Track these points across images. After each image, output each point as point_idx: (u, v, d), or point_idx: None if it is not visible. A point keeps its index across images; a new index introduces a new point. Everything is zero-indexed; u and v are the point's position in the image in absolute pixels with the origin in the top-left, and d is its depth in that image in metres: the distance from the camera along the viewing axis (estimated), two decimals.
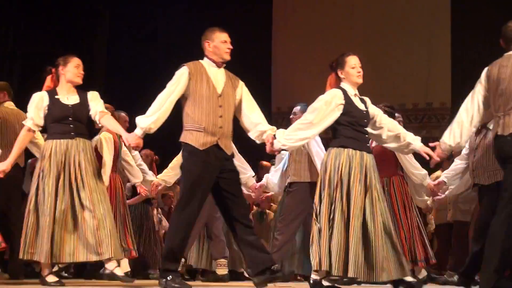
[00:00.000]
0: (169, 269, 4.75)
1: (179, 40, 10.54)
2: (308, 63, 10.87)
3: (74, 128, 5.25)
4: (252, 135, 5.12)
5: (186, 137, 4.90)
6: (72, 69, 5.35)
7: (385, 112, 6.45)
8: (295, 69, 11.18)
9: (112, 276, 5.19)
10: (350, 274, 4.58)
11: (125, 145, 6.42)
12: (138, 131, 4.95)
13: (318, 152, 6.36)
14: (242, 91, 5.13)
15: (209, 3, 11.33)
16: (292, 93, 10.67)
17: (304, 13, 11.41)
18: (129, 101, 9.38)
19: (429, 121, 10.72)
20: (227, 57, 5.03)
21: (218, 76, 5.02)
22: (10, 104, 6.59)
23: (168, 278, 4.69)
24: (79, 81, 5.38)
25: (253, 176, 7.03)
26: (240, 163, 6.60)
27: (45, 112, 5.29)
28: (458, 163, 6.37)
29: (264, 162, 8.80)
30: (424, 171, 6.61)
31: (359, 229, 4.65)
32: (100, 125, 5.67)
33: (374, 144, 6.31)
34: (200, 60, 5.06)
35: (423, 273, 6.55)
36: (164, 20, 11.39)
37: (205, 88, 4.92)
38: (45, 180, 5.13)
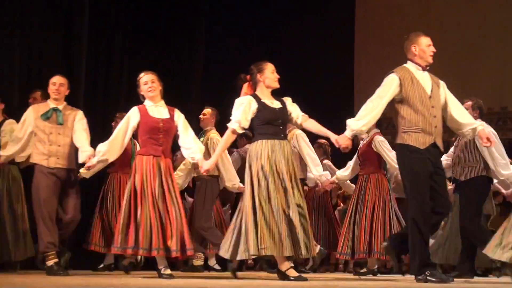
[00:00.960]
0: (427, 264, 5.03)
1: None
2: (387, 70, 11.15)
3: (283, 130, 5.46)
4: (462, 131, 5.40)
5: (404, 138, 5.14)
6: (270, 75, 5.50)
7: None
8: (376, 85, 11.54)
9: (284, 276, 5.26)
10: None
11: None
12: (348, 133, 5.20)
13: (309, 152, 6.84)
14: (445, 91, 5.34)
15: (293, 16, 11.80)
16: None
17: (385, 30, 11.62)
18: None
19: (504, 124, 10.74)
20: (431, 60, 5.28)
21: (425, 79, 5.24)
22: None
23: (427, 273, 4.97)
24: (277, 85, 5.54)
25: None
26: (224, 169, 7.03)
27: (253, 115, 5.42)
28: (443, 159, 6.71)
29: None
30: None
31: None
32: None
33: (361, 143, 7.07)
34: (405, 65, 5.31)
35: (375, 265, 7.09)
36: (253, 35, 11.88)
37: (416, 91, 5.15)
38: (268, 178, 5.23)
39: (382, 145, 7.08)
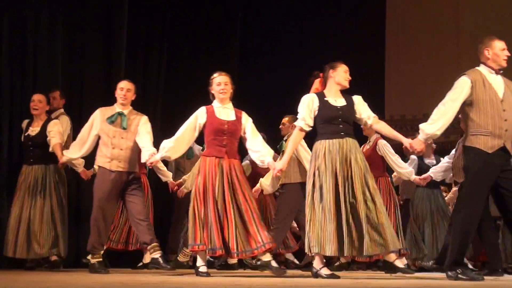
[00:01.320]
0: (460, 263, 5.05)
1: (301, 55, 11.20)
2: (418, 74, 11.10)
3: (344, 128, 5.48)
4: None
5: (472, 141, 5.10)
6: (342, 73, 5.58)
7: None
8: (407, 80, 11.47)
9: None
10: None
11: None
12: (422, 137, 5.21)
13: (306, 156, 6.88)
14: None
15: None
16: (403, 102, 11.29)
17: (416, 26, 11.67)
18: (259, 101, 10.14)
19: None
20: (505, 64, 5.24)
21: (497, 82, 5.19)
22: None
23: (458, 271, 5.00)
24: (347, 84, 5.59)
25: None
26: None
27: (315, 113, 5.52)
28: (445, 161, 7.13)
29: None
30: (410, 169, 7.39)
31: None
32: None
33: (364, 149, 7.19)
34: (477, 68, 5.26)
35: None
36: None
37: (488, 94, 5.10)
38: (322, 178, 5.34)
39: (386, 148, 7.35)
